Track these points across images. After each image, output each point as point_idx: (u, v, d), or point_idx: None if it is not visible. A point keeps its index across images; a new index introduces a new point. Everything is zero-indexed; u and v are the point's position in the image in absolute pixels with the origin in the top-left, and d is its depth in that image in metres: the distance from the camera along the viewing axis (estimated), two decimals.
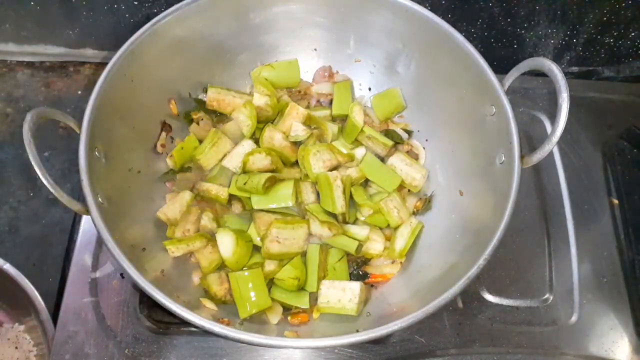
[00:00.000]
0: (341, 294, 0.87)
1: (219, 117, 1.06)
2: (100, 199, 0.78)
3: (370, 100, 1.10)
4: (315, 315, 0.89)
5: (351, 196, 0.96)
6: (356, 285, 0.87)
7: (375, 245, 0.96)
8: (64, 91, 1.31)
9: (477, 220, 0.87)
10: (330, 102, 1.09)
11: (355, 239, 0.94)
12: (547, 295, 1.01)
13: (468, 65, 0.90)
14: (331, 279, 0.90)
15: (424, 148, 1.06)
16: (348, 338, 0.70)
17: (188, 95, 1.04)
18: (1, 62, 1.33)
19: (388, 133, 1.06)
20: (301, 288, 0.91)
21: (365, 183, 1.03)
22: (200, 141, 1.01)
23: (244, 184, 0.92)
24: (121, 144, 0.91)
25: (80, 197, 0.77)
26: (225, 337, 0.69)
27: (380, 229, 0.98)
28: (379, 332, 0.70)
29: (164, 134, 1.01)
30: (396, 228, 0.97)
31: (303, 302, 0.90)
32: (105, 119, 0.84)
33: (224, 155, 0.99)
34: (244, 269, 0.90)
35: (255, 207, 0.93)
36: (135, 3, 1.18)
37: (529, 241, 1.06)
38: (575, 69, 1.34)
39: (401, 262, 0.96)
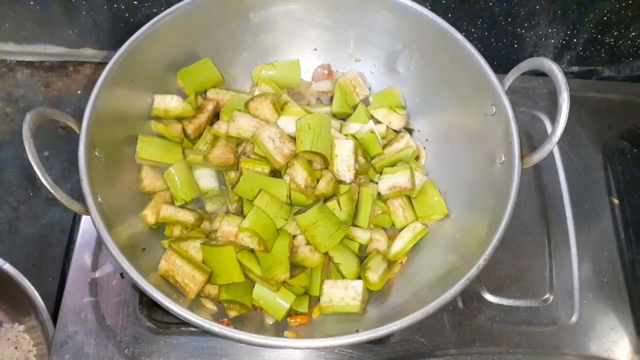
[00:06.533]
0: (344, 292, 0.87)
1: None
2: (100, 199, 0.77)
3: (370, 99, 1.10)
4: (315, 314, 0.89)
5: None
6: (359, 284, 0.87)
7: (379, 245, 0.96)
8: (64, 91, 1.31)
9: (477, 221, 0.87)
10: (331, 99, 1.09)
11: (357, 242, 0.94)
12: (547, 295, 1.01)
13: (468, 65, 0.90)
14: (334, 279, 0.90)
15: (424, 148, 1.06)
16: (348, 338, 0.70)
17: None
18: (1, 62, 1.33)
19: None
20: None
21: None
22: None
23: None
24: (121, 144, 0.91)
25: (80, 197, 0.76)
26: (225, 337, 0.69)
27: (384, 229, 0.98)
28: (379, 332, 0.70)
29: None
30: (400, 229, 0.96)
31: (303, 306, 0.89)
32: (105, 119, 0.84)
33: None
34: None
35: None
36: (135, 3, 1.18)
37: (529, 241, 1.06)
38: (575, 68, 1.34)
39: (401, 263, 0.96)
